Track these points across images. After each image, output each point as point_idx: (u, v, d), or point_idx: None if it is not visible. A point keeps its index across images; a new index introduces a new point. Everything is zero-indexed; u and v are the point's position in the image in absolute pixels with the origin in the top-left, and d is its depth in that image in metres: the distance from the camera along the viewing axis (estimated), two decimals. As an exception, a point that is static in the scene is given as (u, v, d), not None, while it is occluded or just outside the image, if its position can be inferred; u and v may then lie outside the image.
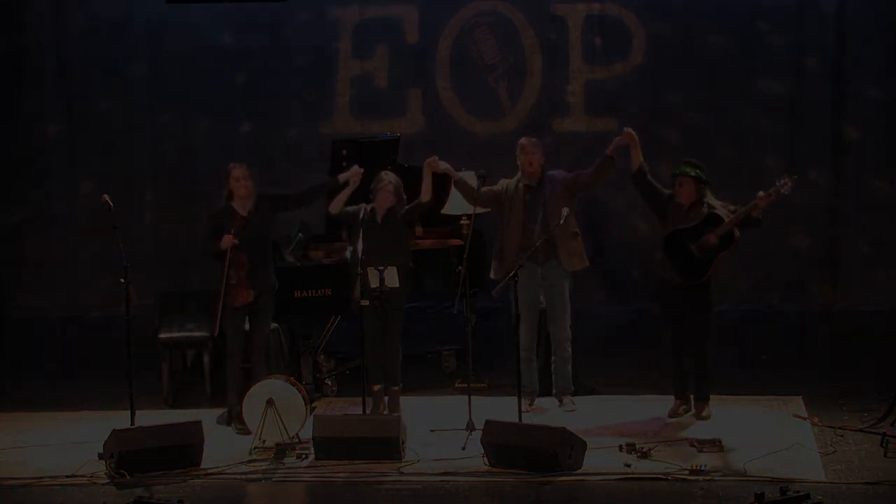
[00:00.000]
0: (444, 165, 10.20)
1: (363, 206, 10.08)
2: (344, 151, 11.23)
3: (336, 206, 10.14)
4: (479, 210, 10.18)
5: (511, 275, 9.56)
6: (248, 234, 9.82)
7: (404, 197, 10.13)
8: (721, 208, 9.76)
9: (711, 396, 10.00)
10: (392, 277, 9.79)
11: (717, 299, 10.00)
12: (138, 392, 9.51)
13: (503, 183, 10.26)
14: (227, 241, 9.75)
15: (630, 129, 9.99)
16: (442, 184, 10.80)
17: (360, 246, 9.71)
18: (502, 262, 10.06)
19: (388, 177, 10.12)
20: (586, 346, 10.62)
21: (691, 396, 10.01)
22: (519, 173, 10.20)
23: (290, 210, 10.36)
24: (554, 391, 10.28)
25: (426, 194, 10.08)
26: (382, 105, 13.13)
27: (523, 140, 10.25)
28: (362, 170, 10.15)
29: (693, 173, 9.78)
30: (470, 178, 10.67)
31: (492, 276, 10.19)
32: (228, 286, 9.76)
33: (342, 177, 10.17)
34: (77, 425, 10.11)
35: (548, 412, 10.13)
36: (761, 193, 9.57)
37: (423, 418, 9.87)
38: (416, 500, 8.52)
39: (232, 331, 9.92)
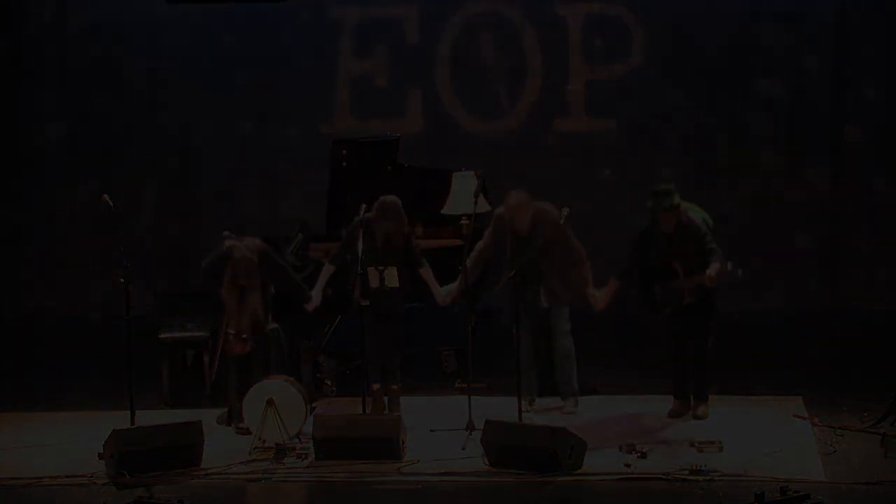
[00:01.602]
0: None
1: (355, 219, 9.97)
2: (344, 151, 11.24)
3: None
4: (480, 210, 10.17)
5: (512, 274, 9.56)
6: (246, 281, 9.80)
7: (405, 222, 10.06)
8: (693, 236, 9.69)
9: (711, 396, 10.01)
10: (392, 277, 9.79)
11: (717, 299, 9.99)
12: (138, 392, 9.50)
13: (496, 215, 10.15)
14: (227, 291, 9.75)
15: (600, 302, 9.93)
16: (442, 184, 10.81)
17: (360, 246, 9.71)
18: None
19: (396, 209, 9.98)
20: (586, 346, 10.61)
21: (691, 396, 10.02)
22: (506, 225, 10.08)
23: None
24: (560, 391, 10.28)
25: (433, 286, 10.10)
26: (382, 105, 13.13)
27: (512, 201, 10.02)
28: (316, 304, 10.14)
29: (676, 203, 9.66)
30: (469, 180, 10.67)
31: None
32: (227, 336, 9.76)
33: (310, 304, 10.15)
34: (77, 425, 10.10)
35: (548, 412, 10.12)
36: (710, 273, 9.51)
37: (423, 418, 9.86)
38: (416, 500, 8.52)
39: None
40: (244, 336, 9.74)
